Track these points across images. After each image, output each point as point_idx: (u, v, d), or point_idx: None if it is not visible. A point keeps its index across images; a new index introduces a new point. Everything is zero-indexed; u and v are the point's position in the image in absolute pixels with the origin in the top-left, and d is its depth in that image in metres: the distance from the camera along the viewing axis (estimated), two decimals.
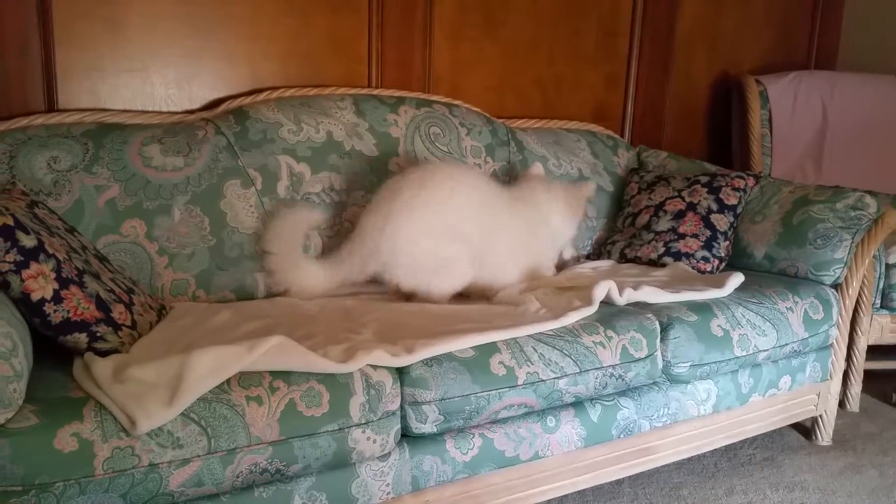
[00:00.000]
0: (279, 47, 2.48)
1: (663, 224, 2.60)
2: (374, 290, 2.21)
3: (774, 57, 3.71)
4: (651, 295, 2.11)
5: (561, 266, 2.53)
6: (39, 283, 1.48)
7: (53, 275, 1.50)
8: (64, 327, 1.50)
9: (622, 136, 3.28)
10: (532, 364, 1.77)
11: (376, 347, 1.62)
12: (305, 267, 2.16)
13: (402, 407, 1.65)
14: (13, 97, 2.13)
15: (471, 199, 2.16)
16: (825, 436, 2.57)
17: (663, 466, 2.30)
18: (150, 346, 1.63)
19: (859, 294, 2.59)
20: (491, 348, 1.75)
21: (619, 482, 2.25)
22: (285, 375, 1.52)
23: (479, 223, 2.15)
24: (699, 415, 2.15)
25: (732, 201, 2.58)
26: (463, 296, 2.20)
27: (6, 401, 1.26)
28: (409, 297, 2.16)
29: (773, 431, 2.60)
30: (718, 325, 2.09)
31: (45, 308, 1.48)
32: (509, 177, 2.66)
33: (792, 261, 2.45)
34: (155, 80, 2.31)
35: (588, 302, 1.99)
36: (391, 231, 2.06)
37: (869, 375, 2.89)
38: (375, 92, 2.57)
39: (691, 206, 2.59)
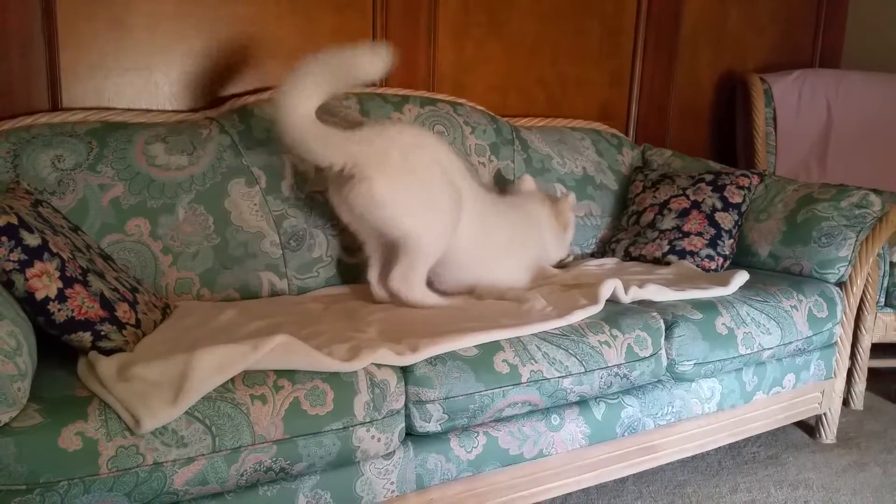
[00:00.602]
0: (283, 46, 2.48)
1: (668, 222, 2.60)
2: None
3: (779, 55, 3.71)
4: (656, 293, 2.11)
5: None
6: (43, 281, 1.48)
7: (57, 273, 1.50)
8: (68, 326, 1.51)
9: (626, 134, 3.28)
10: (536, 362, 1.77)
11: (381, 346, 1.62)
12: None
13: (406, 406, 1.65)
14: (18, 96, 2.14)
15: (469, 200, 2.14)
16: (829, 434, 2.57)
17: (667, 464, 2.30)
18: (155, 344, 1.63)
19: (863, 292, 2.59)
20: (494, 347, 1.75)
21: (623, 480, 2.25)
22: (290, 374, 1.52)
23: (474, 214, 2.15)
24: (703, 413, 2.15)
25: (737, 199, 2.58)
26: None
27: (10, 399, 1.26)
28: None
29: (777, 429, 2.60)
30: (723, 324, 2.09)
31: (49, 307, 1.48)
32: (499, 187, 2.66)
33: (796, 259, 2.45)
34: (159, 78, 2.32)
35: (594, 300, 1.99)
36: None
37: (873, 373, 2.89)
38: (380, 90, 2.57)
39: (696, 205, 2.59)
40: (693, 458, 2.40)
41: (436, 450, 1.71)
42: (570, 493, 2.13)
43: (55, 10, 2.13)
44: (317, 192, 2.28)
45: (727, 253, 2.53)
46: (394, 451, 1.66)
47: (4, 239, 1.45)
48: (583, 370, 1.84)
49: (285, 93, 1.87)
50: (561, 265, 2.54)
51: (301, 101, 1.87)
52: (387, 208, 1.96)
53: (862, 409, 2.83)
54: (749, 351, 2.14)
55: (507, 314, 1.95)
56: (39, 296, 1.47)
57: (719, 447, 2.42)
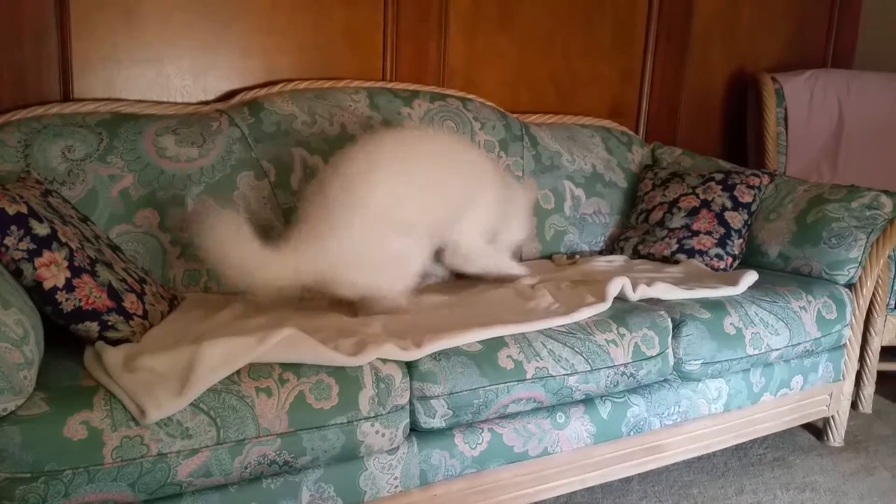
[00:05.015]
0: (294, 40, 2.47)
1: (677, 221, 2.59)
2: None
3: (791, 54, 3.68)
4: (664, 291, 2.10)
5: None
6: (52, 271, 1.48)
7: (66, 263, 1.51)
8: (75, 316, 1.51)
9: (637, 132, 3.27)
10: (541, 359, 1.76)
11: (386, 341, 1.62)
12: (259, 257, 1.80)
13: (411, 401, 1.65)
14: (29, 86, 2.14)
15: (427, 174, 1.98)
16: (837, 437, 2.55)
17: (673, 465, 2.29)
18: (162, 336, 1.63)
19: (873, 294, 2.57)
20: (498, 342, 1.74)
21: (628, 480, 2.25)
22: (295, 367, 1.52)
23: (441, 196, 2.02)
24: (710, 413, 2.14)
25: (747, 199, 2.57)
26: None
27: (17, 388, 1.27)
28: (352, 305, 1.96)
29: (785, 431, 2.58)
30: (731, 324, 2.08)
31: (57, 296, 1.49)
32: None
33: (806, 260, 2.43)
34: (170, 70, 2.32)
35: (601, 298, 1.99)
36: (341, 236, 1.85)
37: (882, 377, 2.87)
38: (390, 85, 2.56)
39: (705, 204, 2.58)
40: (699, 458, 2.39)
41: (440, 446, 1.71)
42: (574, 492, 2.13)
43: (68, 0, 2.13)
44: None
45: (736, 252, 2.52)
46: (398, 447, 1.66)
47: (14, 228, 1.46)
48: (589, 368, 1.83)
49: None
50: (571, 262, 2.54)
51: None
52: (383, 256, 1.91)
53: (870, 412, 2.81)
54: (757, 351, 2.13)
55: (512, 310, 1.95)
56: (47, 285, 1.48)
57: (726, 448, 2.41)
